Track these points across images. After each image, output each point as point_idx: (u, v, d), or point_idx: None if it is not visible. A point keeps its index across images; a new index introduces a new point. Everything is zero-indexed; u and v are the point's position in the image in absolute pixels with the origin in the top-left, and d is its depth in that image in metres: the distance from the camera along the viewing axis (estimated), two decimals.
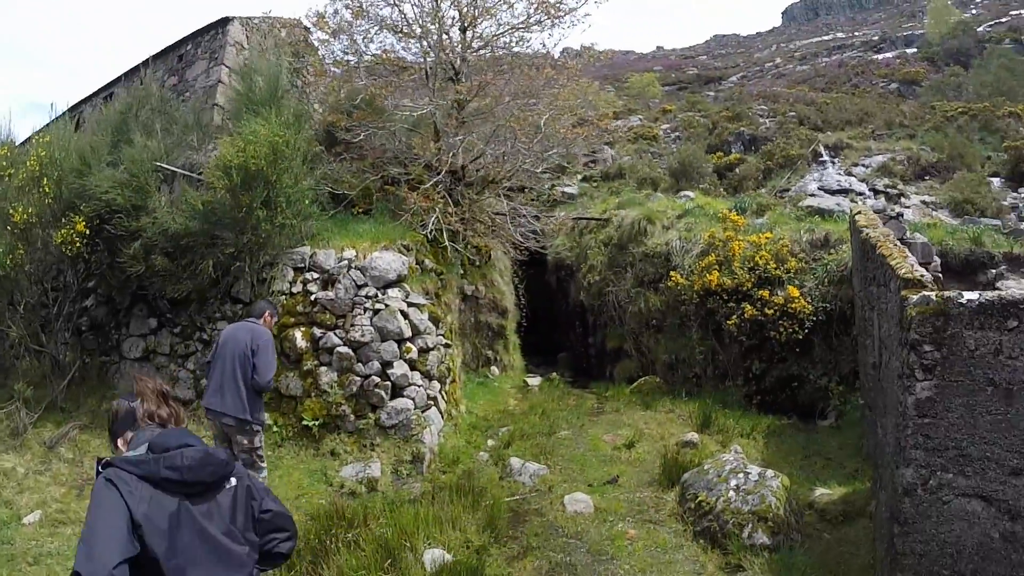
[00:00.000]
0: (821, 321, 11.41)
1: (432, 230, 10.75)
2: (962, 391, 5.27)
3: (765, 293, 11.54)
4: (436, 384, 9.31)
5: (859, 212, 10.58)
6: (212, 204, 9.04)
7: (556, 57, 13.95)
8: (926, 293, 5.57)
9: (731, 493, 6.88)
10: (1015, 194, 18.90)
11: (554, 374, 14.62)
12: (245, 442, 6.36)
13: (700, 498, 7.04)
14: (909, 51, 36.86)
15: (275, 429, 8.74)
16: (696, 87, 32.90)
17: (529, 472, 8.26)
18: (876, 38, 39.07)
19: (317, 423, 8.65)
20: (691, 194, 16.88)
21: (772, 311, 11.36)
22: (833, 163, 21.04)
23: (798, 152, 20.48)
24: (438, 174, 11.59)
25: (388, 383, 8.72)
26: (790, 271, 11.87)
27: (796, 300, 11.35)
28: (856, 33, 40.51)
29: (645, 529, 6.92)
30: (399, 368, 8.78)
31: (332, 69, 14.61)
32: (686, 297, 12.29)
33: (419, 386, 8.93)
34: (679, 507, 7.35)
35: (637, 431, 9.79)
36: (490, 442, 9.63)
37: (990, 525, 5.14)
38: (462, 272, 12.97)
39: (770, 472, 7.15)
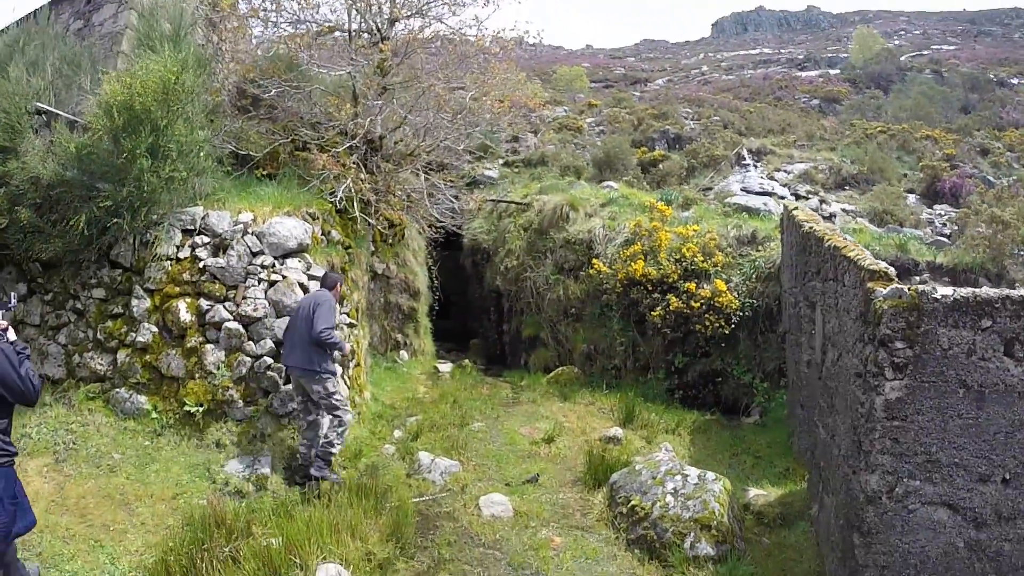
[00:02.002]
0: (747, 317, 10.95)
1: (342, 198, 9.62)
2: (934, 392, 4.82)
3: (691, 286, 10.97)
4: (338, 368, 8.21)
5: (796, 208, 10.09)
6: (89, 149, 7.70)
7: (486, 43, 12.97)
8: (897, 286, 5.00)
9: (669, 498, 6.14)
10: (929, 210, 19.34)
11: (466, 361, 13.72)
12: (319, 389, 7.00)
13: (633, 502, 6.28)
14: (832, 71, 37.76)
15: (154, 415, 7.54)
16: (623, 86, 32.57)
17: (440, 469, 7.32)
18: (801, 57, 39.84)
19: (201, 409, 7.46)
20: (614, 185, 16.27)
21: (698, 304, 10.80)
22: (756, 167, 20.91)
23: (722, 153, 20.24)
24: (354, 139, 10.47)
25: (282, 365, 7.58)
26: (717, 265, 11.37)
27: (723, 294, 10.83)
28: (782, 50, 41.25)
29: (572, 536, 6.12)
30: None
31: (248, 19, 13.19)
32: (608, 286, 11.61)
33: None
34: (608, 511, 6.58)
35: (556, 424, 9.00)
36: (397, 433, 8.64)
37: (955, 534, 4.83)
38: (373, 248, 11.89)
39: (710, 475, 6.46)
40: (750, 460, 8.92)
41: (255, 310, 7.61)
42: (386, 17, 12.20)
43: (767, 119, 27.07)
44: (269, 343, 7.59)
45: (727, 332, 10.81)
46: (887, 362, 4.80)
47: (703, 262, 11.24)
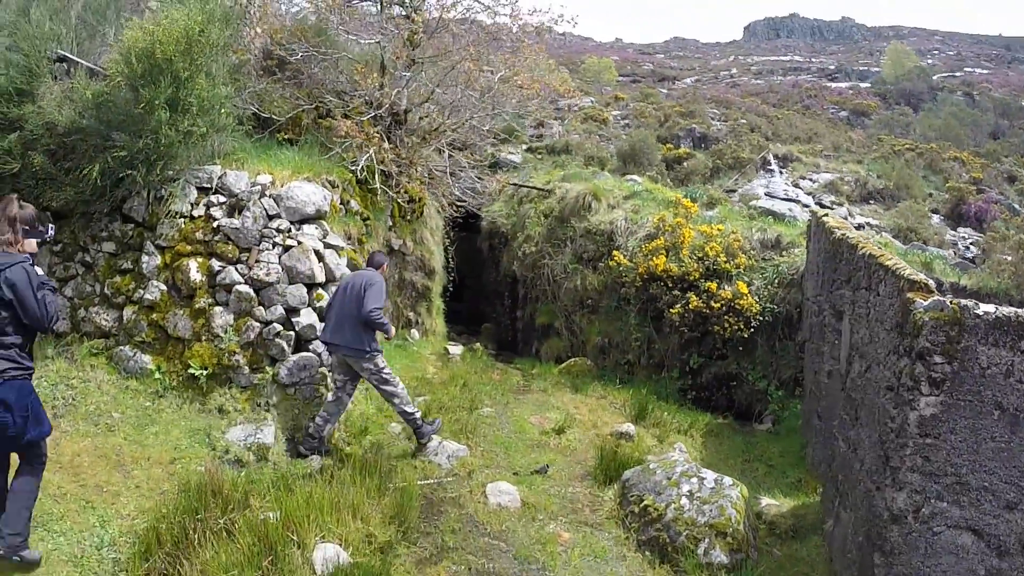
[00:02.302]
0: (766, 322, 10.64)
1: (363, 167, 9.34)
2: (969, 412, 4.55)
3: (712, 285, 10.66)
4: None
5: (827, 215, 9.76)
6: (107, 97, 7.43)
7: (521, 21, 12.63)
8: (939, 298, 4.71)
9: (684, 500, 5.86)
10: (953, 232, 19.01)
11: (477, 345, 13.45)
12: (370, 367, 6.91)
13: (646, 502, 6.01)
14: (862, 84, 37.17)
15: (157, 376, 7.29)
16: (650, 82, 32.10)
17: (447, 452, 7.06)
18: (832, 67, 39.23)
19: (205, 372, 7.21)
20: (638, 178, 15.93)
21: (718, 305, 10.50)
22: (781, 173, 20.57)
23: (748, 156, 19.86)
24: (379, 108, 10.18)
25: (292, 333, 7.34)
26: (739, 267, 11.05)
27: (744, 297, 10.52)
28: (813, 59, 40.60)
29: (581, 533, 5.84)
30: (306, 317, 7.40)
31: None
32: (627, 280, 11.31)
33: None
34: (619, 509, 6.31)
35: (567, 415, 8.72)
36: None
37: (977, 561, 4.62)
38: (391, 223, 11.61)
39: (728, 480, 6.17)
40: (762, 468, 8.64)
41: (268, 274, 7.34)
42: None
43: (794, 126, 26.62)
44: (280, 309, 7.32)
45: (746, 336, 10.51)
46: (924, 376, 4.55)
47: (726, 263, 10.93)
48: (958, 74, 40.08)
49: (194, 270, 7.48)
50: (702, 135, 22.55)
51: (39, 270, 4.76)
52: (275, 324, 7.27)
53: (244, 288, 7.33)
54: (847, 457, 6.15)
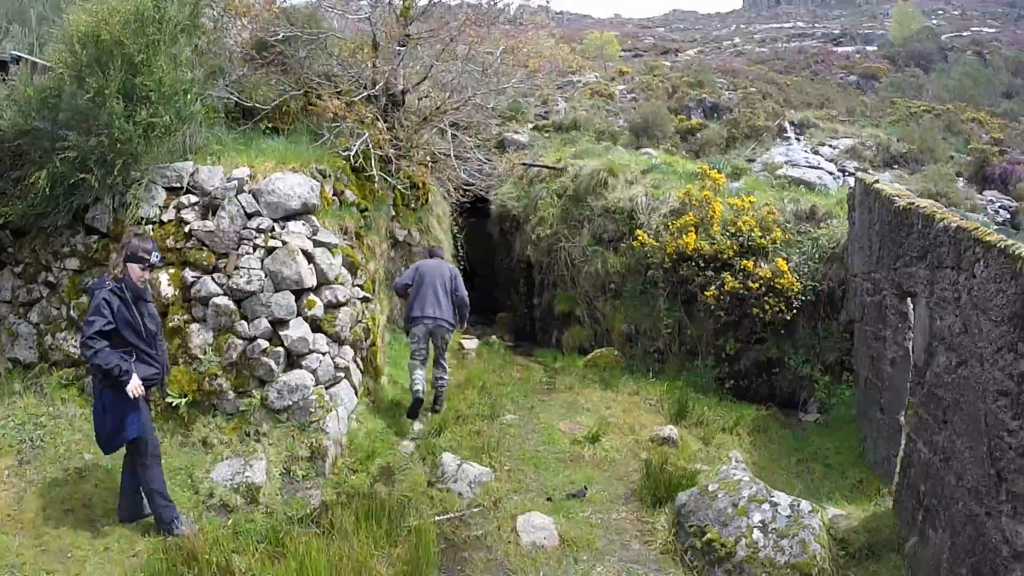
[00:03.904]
0: (808, 301, 9.38)
1: (358, 154, 8.12)
2: None
3: (749, 264, 9.42)
4: (348, 350, 6.78)
5: (877, 180, 8.48)
6: (51, 92, 6.26)
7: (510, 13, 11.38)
8: None
9: (756, 534, 4.68)
10: (980, 196, 17.67)
11: (493, 337, 12.28)
12: (447, 337, 7.72)
13: (710, 535, 4.84)
14: (869, 48, 35.38)
15: None
16: (653, 56, 30.59)
17: (468, 477, 5.89)
18: (837, 32, 37.41)
19: (185, 400, 6.06)
20: (653, 151, 14.61)
21: (756, 285, 9.25)
22: (799, 140, 19.17)
23: (764, 124, 18.46)
24: (374, 86, 8.96)
25: (280, 349, 6.14)
26: (775, 242, 9.77)
27: (784, 275, 9.25)
28: (817, 25, 38.81)
29: None
30: (296, 329, 6.20)
31: None
32: (654, 260, 10.06)
33: (323, 353, 6.37)
34: (675, 541, 5.16)
35: (600, 419, 7.55)
36: (417, 426, 7.23)
37: None
38: (393, 213, 10.40)
39: (805, 504, 4.98)
40: (819, 469, 7.49)
41: (248, 282, 6.15)
42: None
43: (805, 92, 25.11)
44: (264, 323, 6.13)
45: (788, 318, 9.26)
46: None
47: (761, 238, 9.66)
48: (965, 33, 38.18)
49: (165, 283, 6.33)
50: (713, 105, 21.12)
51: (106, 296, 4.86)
52: (260, 340, 6.09)
53: (222, 300, 6.15)
54: (934, 466, 5.09)
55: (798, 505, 4.95)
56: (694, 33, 40.31)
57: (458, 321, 7.95)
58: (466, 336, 11.78)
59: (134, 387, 4.81)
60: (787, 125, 19.64)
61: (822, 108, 22.55)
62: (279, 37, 9.23)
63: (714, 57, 32.01)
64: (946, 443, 4.98)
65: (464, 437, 6.77)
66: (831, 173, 16.31)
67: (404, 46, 9.90)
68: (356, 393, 6.93)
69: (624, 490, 6.02)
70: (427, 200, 12.01)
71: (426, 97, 10.88)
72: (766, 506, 4.95)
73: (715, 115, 20.61)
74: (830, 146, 19.09)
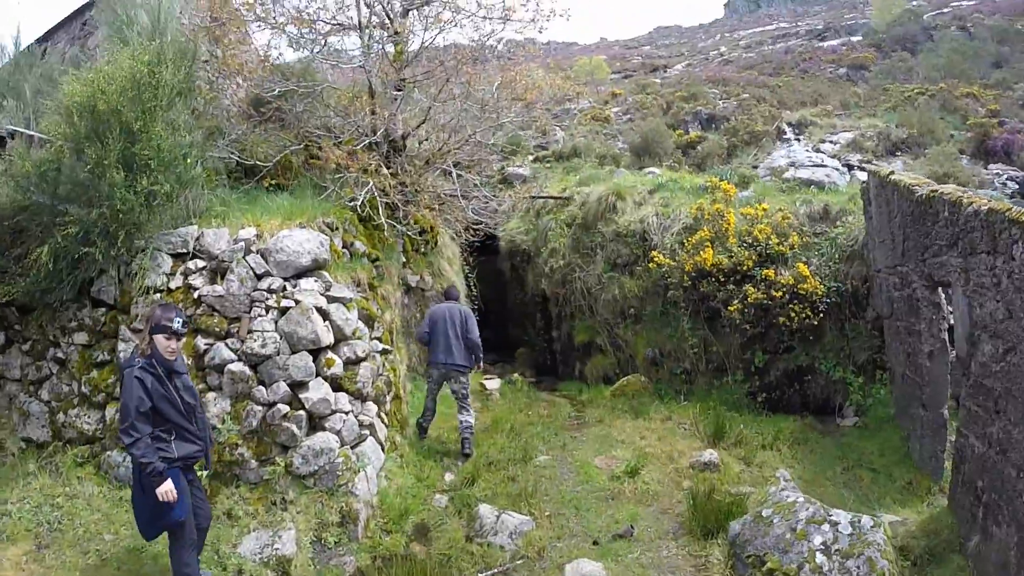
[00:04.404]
0: (833, 303, 9.05)
1: (363, 202, 7.92)
2: None
3: (770, 273, 9.11)
4: (372, 406, 6.50)
5: (892, 172, 8.19)
6: (50, 165, 6.11)
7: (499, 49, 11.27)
8: None
9: (820, 557, 4.36)
10: (985, 170, 17.30)
11: (515, 375, 11.94)
12: (465, 381, 7.75)
13: (770, 564, 4.50)
14: (854, 39, 35.15)
15: None
16: (642, 74, 30.55)
17: (508, 528, 5.55)
18: (820, 27, 37.30)
19: (206, 473, 5.77)
20: (656, 170, 14.36)
21: (780, 293, 8.93)
22: (798, 140, 18.90)
23: (762, 129, 18.21)
24: (374, 133, 8.80)
25: (302, 412, 5.86)
26: (793, 247, 9.46)
27: (807, 280, 8.93)
28: (799, 23, 38.74)
29: None
30: (316, 390, 5.93)
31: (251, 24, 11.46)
32: (672, 280, 9.75)
33: (347, 412, 6.10)
34: (732, 573, 4.77)
35: (636, 450, 7.21)
36: (448, 477, 6.90)
37: None
38: (404, 259, 10.18)
39: (867, 520, 4.63)
40: (866, 475, 7.12)
41: (263, 346, 5.91)
42: (397, 9, 10.44)
43: (797, 91, 24.85)
44: (283, 387, 5.86)
45: (815, 323, 8.92)
46: None
47: (778, 244, 9.37)
48: (946, 10, 37.82)
49: None
50: (709, 116, 20.91)
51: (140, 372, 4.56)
52: (280, 405, 5.82)
53: (238, 367, 5.90)
54: (990, 459, 4.81)
55: (859, 521, 4.59)
56: (680, 47, 40.37)
57: (472, 363, 7.92)
58: (487, 376, 11.48)
59: (165, 492, 4.44)
60: (785, 127, 19.40)
61: (816, 105, 22.28)
62: (275, 93, 9.13)
63: (702, 68, 31.93)
64: (1001, 434, 4.71)
65: (499, 484, 6.45)
66: (837, 169, 16.01)
67: (401, 90, 9.76)
68: (383, 449, 6.63)
69: (671, 524, 5.67)
70: (436, 243, 11.79)
71: (427, 140, 10.73)
72: (826, 527, 4.59)
73: (712, 126, 20.39)
74: (831, 142, 18.83)
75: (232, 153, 8.42)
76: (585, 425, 8.47)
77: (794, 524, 4.68)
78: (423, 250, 11.13)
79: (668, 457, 7.00)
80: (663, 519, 5.78)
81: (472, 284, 12.56)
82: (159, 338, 4.60)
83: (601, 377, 10.72)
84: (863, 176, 15.16)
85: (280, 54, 11.42)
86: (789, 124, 19.52)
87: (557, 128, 21.02)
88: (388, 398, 7.03)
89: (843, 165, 16.81)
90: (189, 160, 6.52)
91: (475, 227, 11.19)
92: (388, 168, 9.09)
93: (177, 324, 4.64)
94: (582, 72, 27.66)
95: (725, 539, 5.14)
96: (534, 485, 6.39)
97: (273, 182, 8.53)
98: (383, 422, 6.84)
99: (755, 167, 16.04)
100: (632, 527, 5.54)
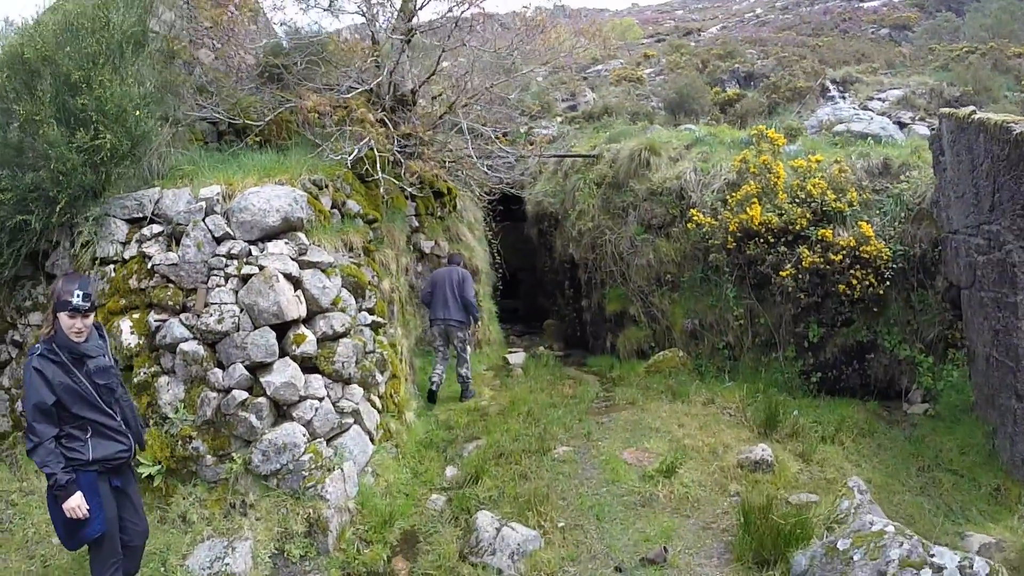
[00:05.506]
0: (899, 270, 7.54)
1: (359, 158, 6.66)
2: None
3: (827, 233, 7.62)
4: (357, 390, 5.28)
5: (973, 111, 6.64)
6: None
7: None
8: None
9: None
10: None
11: (541, 348, 10.71)
12: (463, 336, 7.86)
13: None
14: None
15: None
16: (675, 38, 28.57)
17: (510, 546, 4.30)
18: None
19: (158, 470, 4.67)
20: (693, 127, 12.78)
21: (839, 257, 7.45)
22: (844, 98, 17.08)
23: (805, 85, 16.41)
24: (377, 86, 7.56)
25: (263, 400, 4.68)
26: (852, 204, 7.94)
27: (870, 241, 7.44)
28: None
29: None
30: (280, 373, 4.72)
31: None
32: (714, 242, 8.33)
33: (320, 399, 4.89)
34: None
35: (673, 441, 5.91)
36: (450, 472, 5.69)
37: None
38: (417, 224, 8.92)
39: (980, 564, 3.28)
40: (946, 479, 5.79)
41: (220, 321, 4.73)
42: None
43: (838, 51, 22.76)
44: (240, 370, 4.67)
45: (880, 292, 7.45)
46: None
47: (836, 201, 7.86)
48: None
49: (127, 331, 4.97)
50: (747, 74, 19.11)
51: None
52: (235, 392, 4.64)
53: (190, 346, 4.74)
54: None
55: (970, 567, 3.23)
56: (714, 11, 37.95)
57: (468, 320, 7.94)
58: (512, 350, 10.25)
59: (72, 508, 3.43)
60: (829, 84, 17.57)
61: (860, 63, 20.29)
62: (262, 44, 7.91)
63: (739, 30, 29.71)
64: None
65: (507, 482, 5.21)
66: (884, 128, 14.29)
67: (409, 41, 8.45)
68: (373, 439, 5.44)
69: (716, 544, 4.36)
70: (455, 207, 10.51)
71: (440, 96, 9.43)
72: (926, 572, 3.24)
73: (750, 84, 18.60)
74: (879, 100, 17.01)
75: (218, 113, 7.21)
76: (614, 408, 7.16)
77: (883, 567, 3.33)
78: (439, 214, 9.87)
79: (711, 451, 5.66)
80: (705, 536, 4.47)
81: (496, 251, 11.29)
82: (63, 316, 3.59)
83: (634, 351, 9.37)
84: (921, 131, 13.43)
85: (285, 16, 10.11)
86: (833, 81, 17.68)
87: (587, 89, 19.45)
88: (382, 379, 5.80)
89: (894, 123, 15.03)
90: (140, 113, 5.30)
91: (496, 187, 9.89)
92: (394, 125, 7.83)
93: (77, 299, 3.50)
94: (614, 32, 25.86)
95: (786, 572, 3.83)
96: (548, 485, 5.12)
97: (259, 140, 7.30)
98: (374, 407, 5.63)
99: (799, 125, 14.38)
100: (666, 549, 4.24)
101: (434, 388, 7.68)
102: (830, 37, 26.69)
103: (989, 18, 27.19)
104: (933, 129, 8.46)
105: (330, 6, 8.69)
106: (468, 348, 8.09)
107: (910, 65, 21.28)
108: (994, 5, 28.81)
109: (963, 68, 19.26)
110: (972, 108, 6.89)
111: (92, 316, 3.65)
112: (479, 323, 8.80)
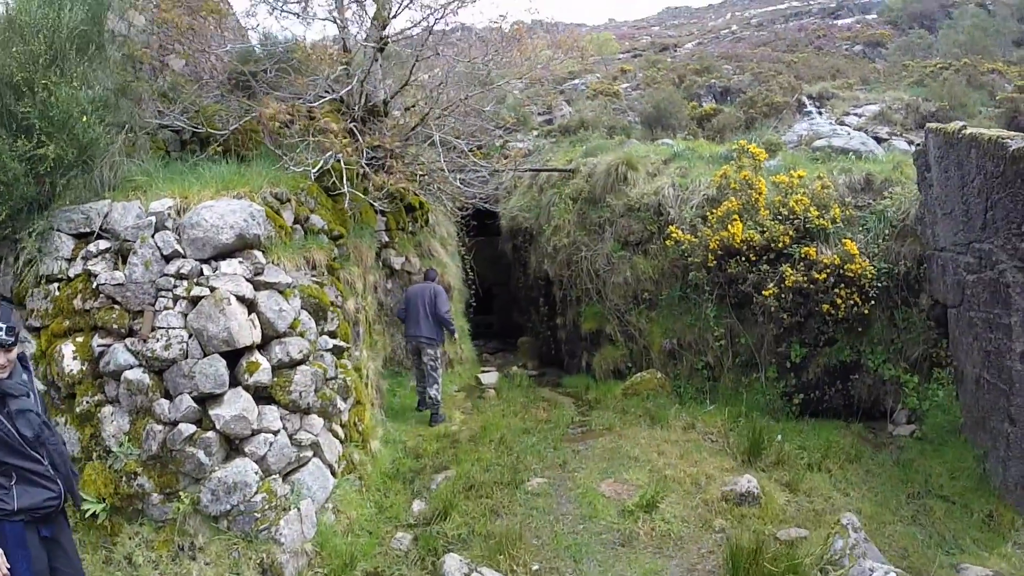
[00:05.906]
0: (883, 288, 7.39)
1: (324, 170, 6.34)
2: None
3: (811, 251, 7.44)
4: (316, 420, 4.94)
5: (964, 127, 6.50)
6: None
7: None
8: None
9: None
10: None
11: (515, 368, 10.39)
12: (432, 353, 7.75)
13: None
14: (868, 16, 33.03)
15: None
16: (652, 53, 28.61)
17: None
18: (833, 5, 35.13)
19: (102, 507, 4.28)
20: (670, 141, 12.64)
21: (823, 276, 7.27)
22: (820, 113, 17.13)
23: (782, 100, 16.41)
24: (347, 95, 7.26)
25: (211, 434, 4.32)
26: (835, 221, 7.79)
27: (855, 260, 7.28)
28: (811, 1, 36.57)
29: None
30: (231, 405, 4.36)
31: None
32: (694, 259, 8.12)
33: (275, 432, 4.53)
34: None
35: (653, 472, 5.64)
36: (417, 506, 5.34)
37: None
38: (387, 239, 8.62)
39: None
40: (938, 506, 5.59)
41: (167, 347, 4.37)
42: None
43: (814, 66, 22.95)
44: (188, 401, 4.31)
45: (865, 311, 7.28)
46: None
47: (819, 218, 7.70)
48: None
49: (69, 356, 4.58)
50: (724, 89, 19.11)
51: None
52: (182, 425, 4.28)
53: (135, 374, 4.38)
54: None
55: None
56: (690, 27, 38.21)
57: (442, 337, 7.97)
58: (484, 369, 9.94)
59: None
60: (805, 99, 17.61)
61: (836, 79, 20.45)
62: (227, 49, 7.58)
63: (715, 47, 29.89)
64: None
65: (477, 519, 4.89)
66: (863, 143, 14.31)
67: (382, 50, 8.18)
68: (334, 472, 5.09)
69: None
70: (427, 221, 10.22)
71: (413, 107, 9.15)
72: None
73: (727, 99, 18.60)
74: (855, 115, 17.09)
75: (179, 120, 6.86)
76: (591, 434, 6.87)
77: None
78: (411, 229, 9.57)
79: (693, 482, 5.38)
80: None
81: (469, 267, 11.00)
82: None
83: (611, 371, 9.11)
84: (901, 146, 13.42)
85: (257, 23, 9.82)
86: (809, 96, 17.73)
87: (564, 103, 19.31)
88: (344, 407, 5.45)
89: (872, 138, 15.06)
90: (87, 119, 4.95)
91: (471, 203, 9.61)
92: (363, 136, 7.52)
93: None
94: (591, 46, 25.84)
95: None
96: (521, 523, 4.80)
97: (222, 150, 6.95)
98: (337, 437, 5.29)
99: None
100: None
101: (420, 408, 7.87)
102: (805, 53, 26.96)
103: (963, 35, 27.70)
104: (917, 144, 8.36)
105: (303, 11, 8.43)
106: (439, 368, 7.94)
107: (885, 81, 21.54)
108: (967, 22, 29.41)
109: (938, 84, 19.50)
110: (962, 123, 6.75)
111: (15, 350, 3.29)
112: (455, 336, 8.72)
